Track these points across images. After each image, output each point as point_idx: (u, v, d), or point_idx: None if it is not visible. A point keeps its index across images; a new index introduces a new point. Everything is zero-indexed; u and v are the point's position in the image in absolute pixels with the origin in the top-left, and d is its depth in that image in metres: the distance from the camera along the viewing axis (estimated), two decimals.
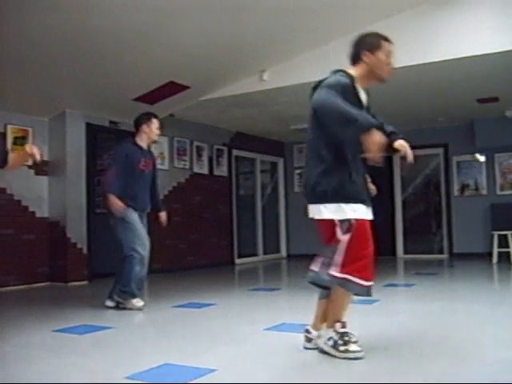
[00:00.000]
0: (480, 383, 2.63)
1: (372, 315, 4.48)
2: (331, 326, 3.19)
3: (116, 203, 5.10)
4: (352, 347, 3.10)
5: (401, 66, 6.63)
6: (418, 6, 6.48)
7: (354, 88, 3.19)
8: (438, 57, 6.49)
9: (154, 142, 5.60)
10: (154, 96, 7.68)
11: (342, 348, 3.10)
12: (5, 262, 7.18)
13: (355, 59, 3.28)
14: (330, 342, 3.16)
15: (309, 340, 3.32)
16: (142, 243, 5.20)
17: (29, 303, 6.09)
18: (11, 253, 7.27)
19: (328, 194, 3.10)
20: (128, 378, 2.85)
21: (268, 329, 4.02)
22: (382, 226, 11.13)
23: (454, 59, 6.45)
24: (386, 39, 3.27)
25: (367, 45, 3.24)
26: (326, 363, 3.08)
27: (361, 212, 3.12)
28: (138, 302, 5.19)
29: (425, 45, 6.49)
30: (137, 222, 5.25)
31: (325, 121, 3.05)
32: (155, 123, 5.43)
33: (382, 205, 12.03)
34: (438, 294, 5.87)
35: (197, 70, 7.18)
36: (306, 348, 3.32)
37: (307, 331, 3.33)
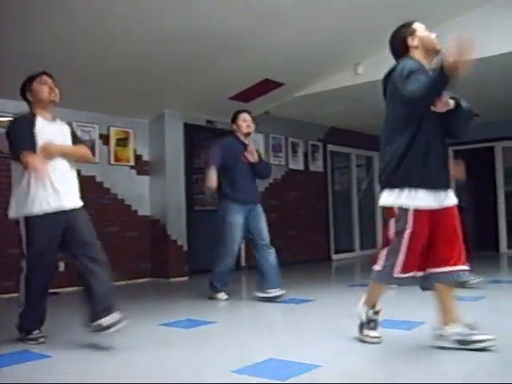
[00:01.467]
0: None
1: (478, 311, 4.32)
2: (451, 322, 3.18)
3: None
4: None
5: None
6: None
7: (424, 68, 3.23)
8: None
9: (247, 134, 5.68)
10: (249, 94, 7.76)
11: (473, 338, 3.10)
12: (110, 258, 7.42)
13: (404, 51, 3.38)
14: (459, 337, 3.13)
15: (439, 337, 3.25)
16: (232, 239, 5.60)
17: (134, 298, 6.30)
18: (116, 249, 7.56)
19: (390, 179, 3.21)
20: (235, 372, 2.90)
21: None
22: (483, 219, 10.75)
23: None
24: (414, 21, 3.42)
25: (405, 33, 3.40)
26: (431, 360, 3.00)
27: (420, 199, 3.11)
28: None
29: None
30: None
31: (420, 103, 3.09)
32: (240, 118, 5.64)
33: (483, 197, 11.65)
34: None
35: (291, 66, 7.19)
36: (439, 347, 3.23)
37: (437, 328, 3.28)
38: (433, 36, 3.33)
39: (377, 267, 3.30)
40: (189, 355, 3.39)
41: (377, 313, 3.42)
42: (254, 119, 5.78)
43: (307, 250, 10.01)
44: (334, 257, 10.67)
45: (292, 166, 9.95)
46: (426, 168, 3.12)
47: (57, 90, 3.87)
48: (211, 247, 8.81)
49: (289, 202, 9.74)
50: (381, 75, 7.74)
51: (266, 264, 5.43)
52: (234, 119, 5.69)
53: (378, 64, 7.21)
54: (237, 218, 5.46)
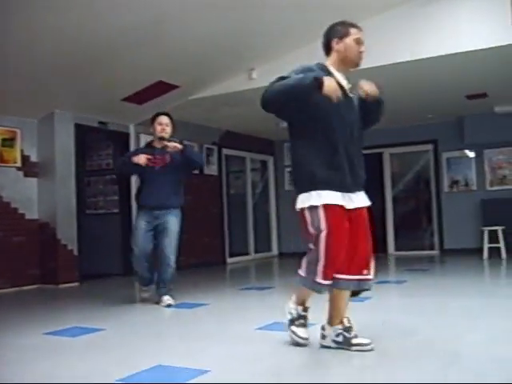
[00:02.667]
0: (471, 383, 2.63)
1: (364, 312, 4.47)
2: (338, 323, 3.28)
3: None
4: (360, 340, 3.22)
5: (388, 63, 6.69)
6: (404, 4, 6.49)
7: (327, 72, 3.24)
8: (425, 54, 6.51)
9: (161, 138, 5.46)
10: (142, 96, 7.65)
11: (354, 341, 3.22)
12: None
13: (327, 49, 3.39)
14: (340, 338, 3.25)
15: (323, 337, 3.38)
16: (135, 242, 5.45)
17: (19, 306, 6.04)
18: (2, 255, 7.22)
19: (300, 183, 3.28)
20: (121, 380, 2.83)
21: (260, 328, 4.01)
22: (373, 221, 11.19)
23: (441, 56, 6.47)
24: (354, 26, 3.35)
25: (336, 33, 3.34)
26: (321, 362, 3.08)
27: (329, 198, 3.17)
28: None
29: (412, 42, 6.53)
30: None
31: (279, 107, 3.24)
32: (156, 121, 5.50)
33: (372, 200, 12.10)
34: (430, 290, 5.90)
35: (186, 69, 7.16)
36: (322, 346, 3.35)
37: (322, 328, 3.39)
38: (361, 49, 3.31)
39: (300, 272, 3.29)
40: (74, 365, 3.28)
41: (306, 309, 3.44)
42: (172, 121, 5.59)
43: (202, 253, 9.99)
44: (229, 260, 10.72)
45: None
46: (331, 171, 3.17)
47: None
48: (103, 251, 8.66)
49: (184, 205, 9.66)
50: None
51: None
52: (152, 122, 5.55)
53: (273, 70, 7.31)
54: (140, 224, 5.46)
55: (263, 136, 11.70)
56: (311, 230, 3.19)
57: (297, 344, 3.38)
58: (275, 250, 12.25)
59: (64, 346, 3.80)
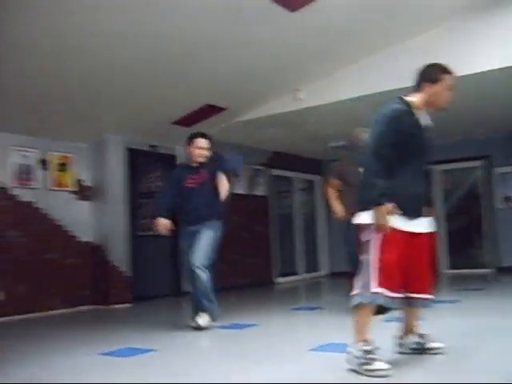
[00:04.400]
0: None
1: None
2: (357, 343, 3.23)
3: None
4: (377, 365, 3.11)
5: None
6: (454, 19, 6.41)
7: (412, 113, 3.35)
8: (476, 68, 6.39)
9: (200, 163, 5.42)
10: (191, 119, 7.77)
11: (365, 367, 3.13)
12: (49, 285, 7.32)
13: (417, 87, 3.46)
14: (357, 361, 3.19)
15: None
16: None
17: (74, 326, 6.16)
18: (55, 277, 7.41)
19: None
20: None
21: (313, 349, 3.98)
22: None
23: (492, 70, 6.35)
24: (448, 71, 3.43)
25: (429, 77, 3.42)
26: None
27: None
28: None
29: (463, 56, 6.39)
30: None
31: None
32: (194, 144, 5.42)
33: None
34: (484, 311, 5.74)
35: (233, 91, 7.25)
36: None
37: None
38: (448, 97, 3.41)
39: (355, 291, 3.27)
40: None
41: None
42: (211, 142, 5.52)
43: (250, 274, 10.01)
44: (278, 280, 10.70)
45: (235, 190, 9.96)
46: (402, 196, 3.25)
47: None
48: (155, 273, 8.75)
49: (232, 226, 9.72)
50: (321, 101, 7.94)
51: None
52: (188, 143, 5.46)
53: (319, 89, 7.41)
54: (183, 246, 5.47)
55: (310, 156, 11.70)
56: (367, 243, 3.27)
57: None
58: (324, 270, 12.15)
59: (117, 366, 3.86)
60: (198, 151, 5.40)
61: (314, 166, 12.14)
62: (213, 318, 5.25)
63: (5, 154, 7.04)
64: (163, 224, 5.37)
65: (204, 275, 5.16)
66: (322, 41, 6.30)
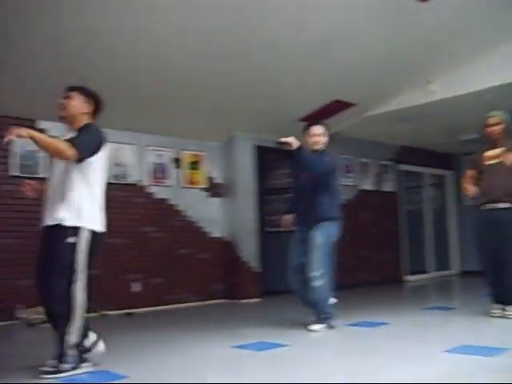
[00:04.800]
0: None
1: None
2: None
3: None
4: None
5: None
6: None
7: None
8: None
9: (316, 150, 5.14)
10: (319, 115, 7.74)
11: None
12: (183, 279, 7.63)
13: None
14: None
15: None
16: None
17: (207, 319, 6.36)
18: (189, 271, 7.71)
19: None
20: None
21: (448, 351, 3.84)
22: None
23: None
24: None
25: None
26: None
27: None
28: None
29: None
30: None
31: None
32: (308, 132, 5.18)
33: None
34: None
35: (362, 86, 7.16)
36: None
37: None
38: None
39: None
40: (259, 379, 3.37)
41: None
42: (327, 129, 5.22)
43: (378, 270, 9.86)
44: (407, 278, 10.45)
45: (363, 186, 9.87)
46: None
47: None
48: (283, 268, 8.82)
49: (360, 222, 9.64)
50: (455, 92, 7.63)
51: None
52: (304, 133, 5.23)
53: (452, 81, 7.14)
54: (294, 234, 5.30)
55: (440, 150, 11.31)
56: None
57: None
58: (455, 269, 11.70)
59: (250, 359, 3.94)
60: (313, 139, 5.15)
61: (444, 160, 11.72)
62: (329, 327, 5.09)
63: (142, 154, 7.43)
64: (286, 220, 5.40)
65: (318, 289, 4.98)
66: (453, 30, 6.06)
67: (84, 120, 3.77)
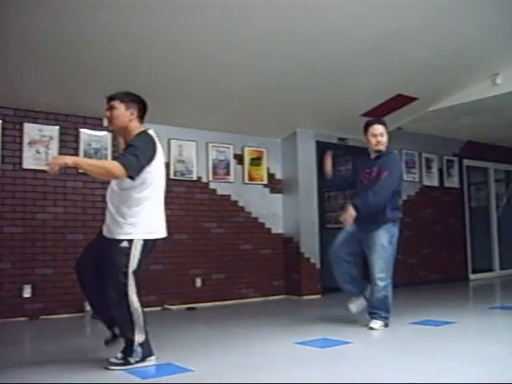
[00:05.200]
0: None
1: None
2: None
3: None
4: None
5: None
6: None
7: None
8: None
9: (378, 152, 5.10)
10: (381, 110, 7.66)
11: None
12: (244, 275, 7.69)
13: None
14: None
15: None
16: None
17: (269, 315, 6.38)
18: (250, 267, 7.76)
19: None
20: None
21: None
22: None
23: None
24: None
25: None
26: None
27: None
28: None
29: None
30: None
31: None
32: (369, 132, 5.11)
33: None
34: None
35: (425, 80, 7.03)
36: None
37: None
38: None
39: None
40: (323, 376, 3.36)
41: None
42: (387, 127, 5.15)
43: (443, 268, 9.67)
44: (472, 276, 10.20)
45: (426, 182, 9.69)
46: None
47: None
48: None
49: (423, 219, 9.48)
50: None
51: None
52: (365, 131, 5.16)
53: None
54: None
55: (507, 145, 10.99)
56: None
57: None
58: None
59: (315, 356, 3.94)
60: (374, 139, 5.07)
61: (511, 155, 11.37)
62: (386, 325, 5.05)
63: (204, 151, 7.51)
64: (348, 213, 5.00)
65: (382, 290, 5.02)
66: None
67: (133, 127, 3.72)
